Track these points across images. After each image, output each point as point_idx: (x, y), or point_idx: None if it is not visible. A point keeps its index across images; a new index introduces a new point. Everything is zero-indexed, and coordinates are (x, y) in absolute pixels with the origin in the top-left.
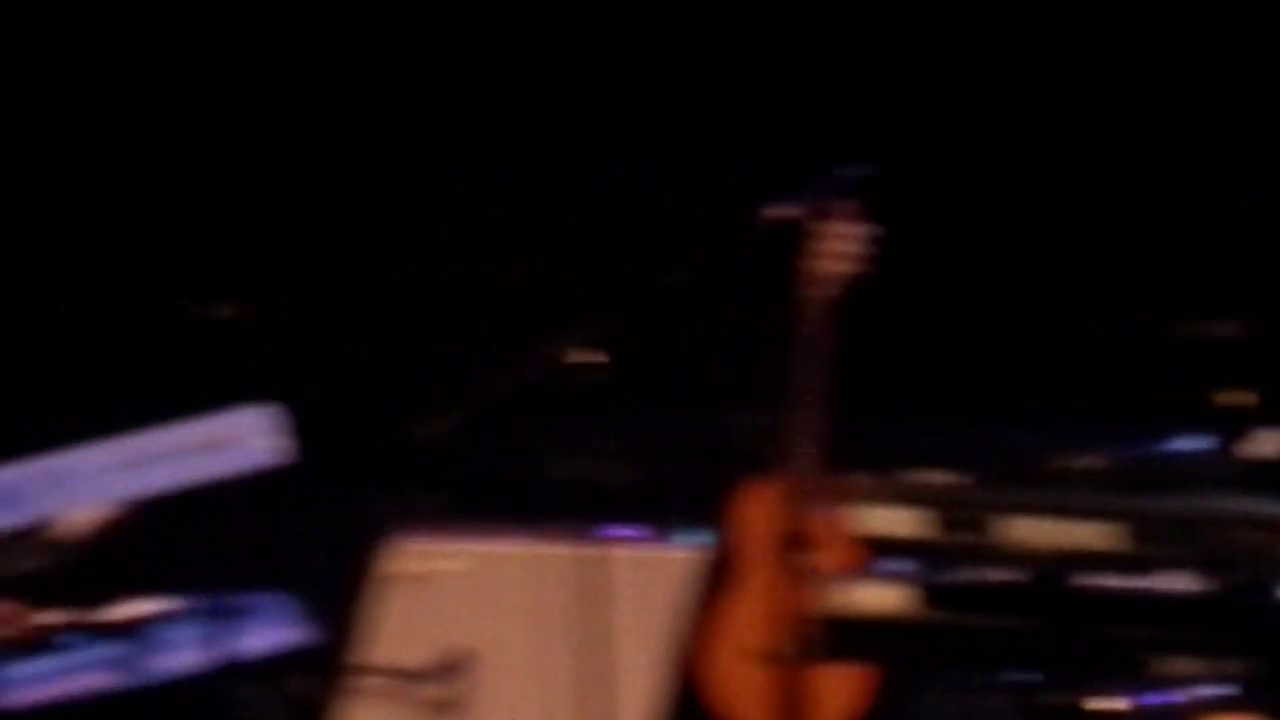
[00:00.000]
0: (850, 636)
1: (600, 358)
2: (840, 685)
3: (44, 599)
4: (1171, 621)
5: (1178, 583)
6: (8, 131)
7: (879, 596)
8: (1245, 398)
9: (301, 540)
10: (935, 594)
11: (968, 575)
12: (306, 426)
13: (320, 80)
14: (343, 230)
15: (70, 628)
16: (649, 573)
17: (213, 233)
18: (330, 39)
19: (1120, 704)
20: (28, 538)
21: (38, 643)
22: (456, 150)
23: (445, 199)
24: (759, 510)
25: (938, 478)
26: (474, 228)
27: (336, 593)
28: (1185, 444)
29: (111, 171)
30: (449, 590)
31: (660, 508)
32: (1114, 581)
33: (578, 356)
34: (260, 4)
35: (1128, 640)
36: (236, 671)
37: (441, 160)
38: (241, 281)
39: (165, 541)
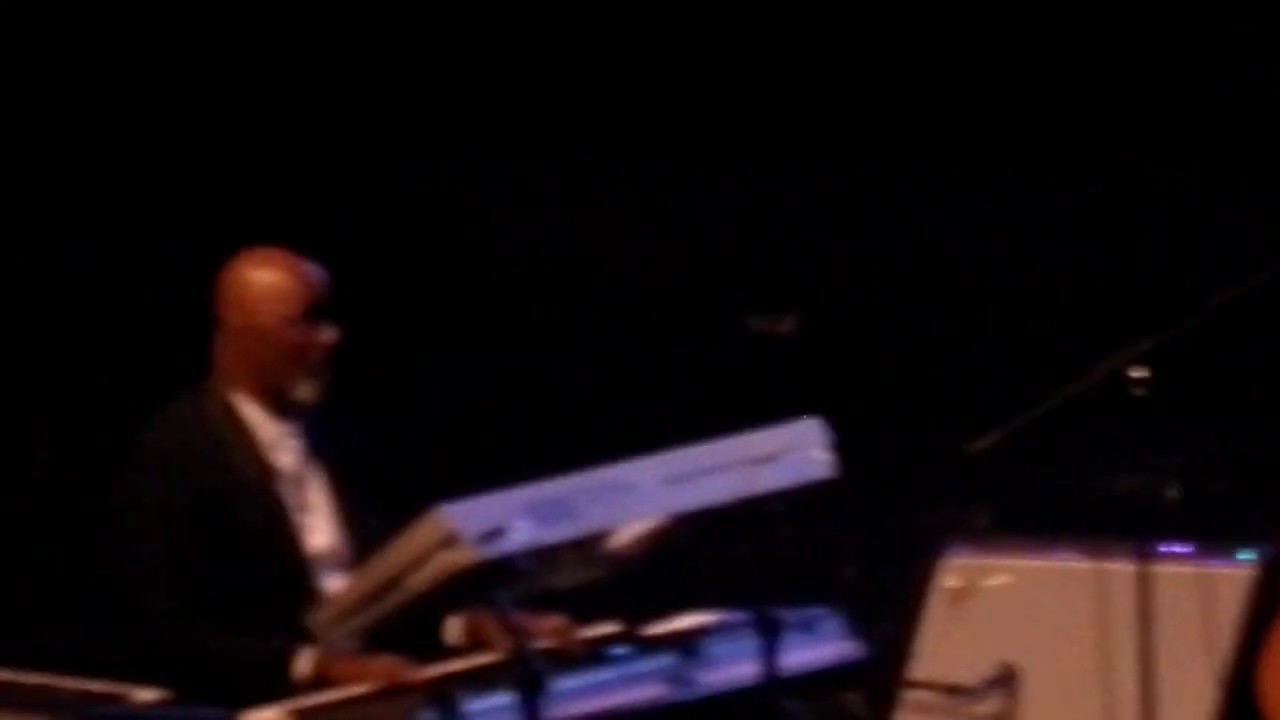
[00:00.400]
0: None
1: (1148, 372)
2: None
3: (594, 612)
4: None
5: None
6: None
7: None
8: None
9: (849, 554)
10: None
11: None
12: (855, 440)
13: None
14: (891, 244)
15: (620, 640)
16: (1197, 590)
17: (773, 248)
18: None
19: None
20: (580, 551)
21: (587, 655)
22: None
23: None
24: None
25: None
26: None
27: (884, 607)
28: None
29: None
30: (996, 605)
31: (1209, 525)
32: None
33: (1131, 371)
34: None
35: None
36: (786, 686)
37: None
38: (796, 295)
39: (715, 555)
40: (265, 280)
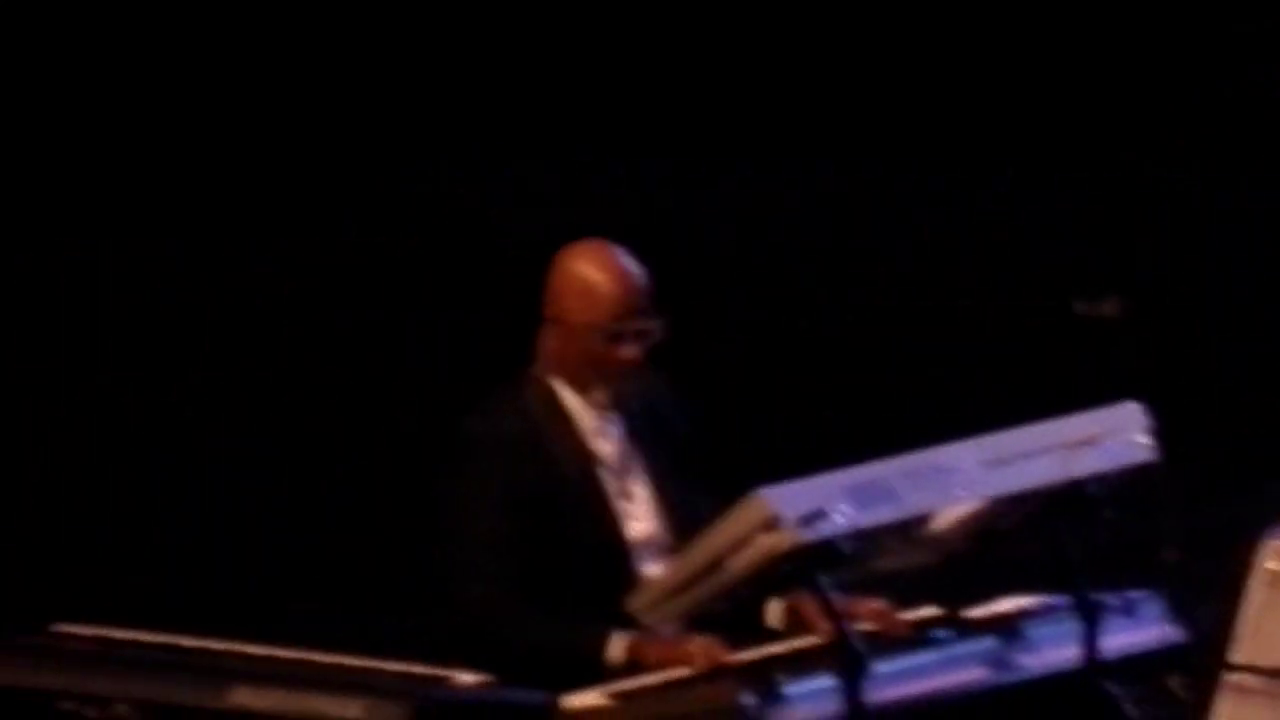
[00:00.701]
0: None
1: None
2: None
3: (917, 595)
4: None
5: None
6: None
7: None
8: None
9: (1173, 536)
10: None
11: None
12: (1178, 423)
13: None
14: (1215, 227)
15: (941, 624)
16: None
17: (1100, 230)
18: None
19: None
20: (901, 534)
21: (909, 639)
22: None
23: None
24: None
25: None
26: None
27: (1206, 590)
28: None
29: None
30: None
31: None
32: None
33: None
34: None
35: None
36: (1107, 669)
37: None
38: (1119, 278)
39: (1037, 538)
40: (583, 277)
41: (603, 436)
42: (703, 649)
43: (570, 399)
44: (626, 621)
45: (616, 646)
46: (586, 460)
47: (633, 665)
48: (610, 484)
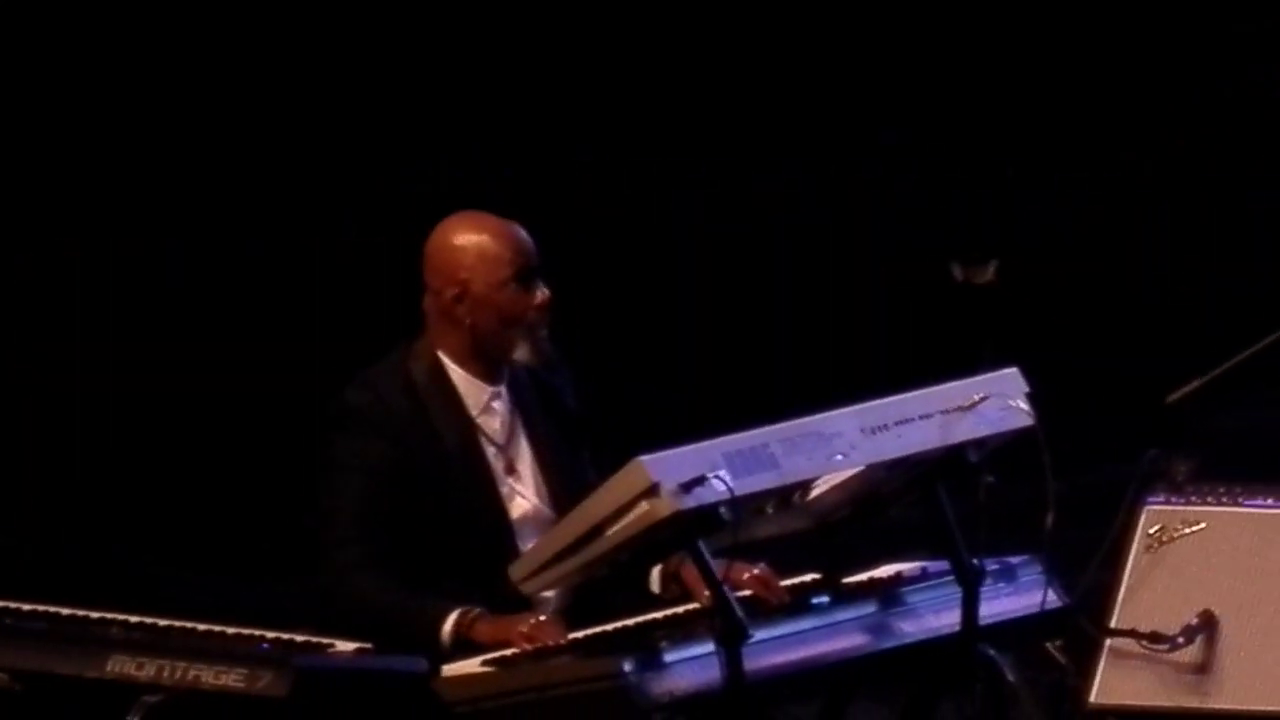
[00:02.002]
0: None
1: None
2: None
3: (797, 562)
4: None
5: None
6: None
7: None
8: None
9: (1049, 502)
10: None
11: None
12: (1055, 389)
13: None
14: (1093, 197)
15: (820, 590)
16: None
17: (977, 198)
18: None
19: None
20: (782, 500)
21: (788, 605)
22: None
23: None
24: None
25: None
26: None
27: (1084, 556)
28: None
29: None
30: (1196, 553)
31: None
32: None
33: None
34: None
35: None
36: (986, 635)
37: None
38: (997, 245)
39: (917, 504)
40: (474, 245)
41: (489, 412)
42: (531, 630)
43: (456, 373)
44: (509, 598)
45: (448, 622)
46: (471, 435)
47: (461, 642)
48: (495, 459)
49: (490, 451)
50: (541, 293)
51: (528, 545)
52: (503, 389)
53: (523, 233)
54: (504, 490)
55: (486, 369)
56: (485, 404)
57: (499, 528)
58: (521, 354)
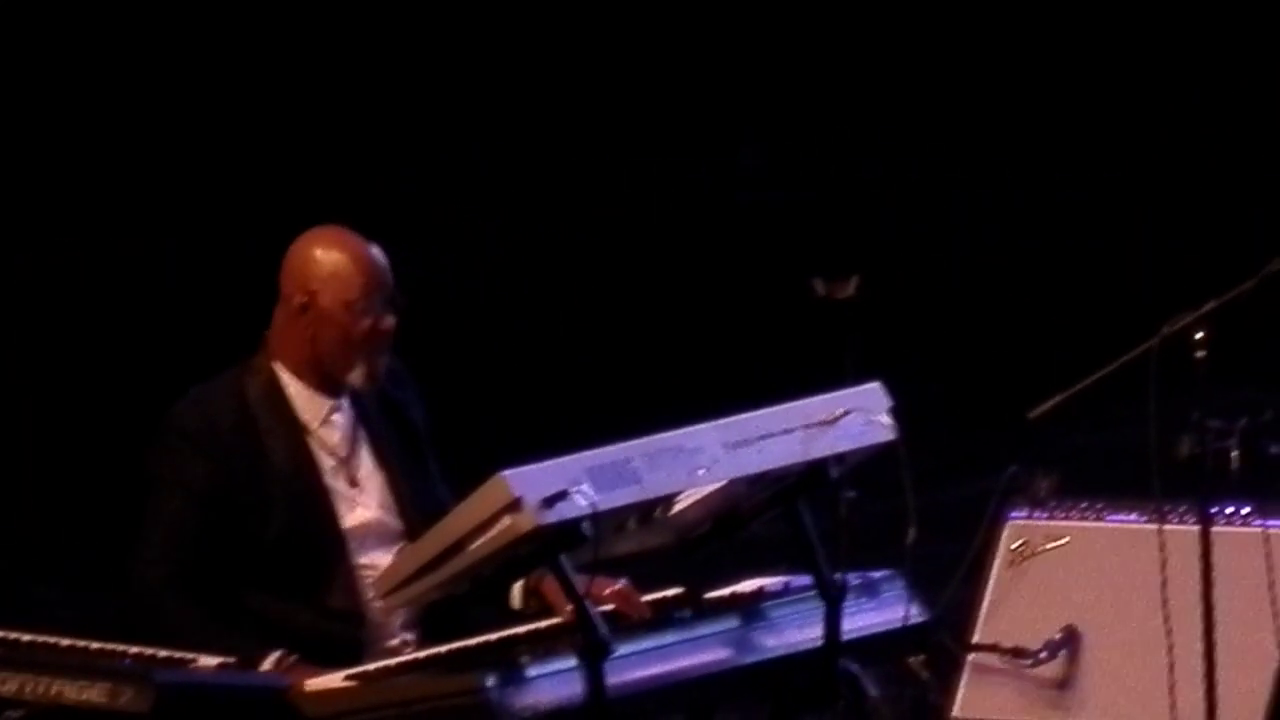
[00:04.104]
0: None
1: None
2: None
3: (658, 577)
4: None
5: None
6: None
7: None
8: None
9: (911, 517)
10: None
11: None
12: (916, 404)
13: None
14: (953, 212)
15: (682, 604)
16: (1258, 551)
17: (838, 213)
18: None
19: None
20: (644, 515)
21: (651, 620)
22: None
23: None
24: None
25: None
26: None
27: (946, 571)
28: None
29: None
30: (1058, 568)
31: (1270, 486)
32: None
33: (1190, 333)
34: None
35: None
36: (848, 649)
37: None
38: (859, 260)
39: (779, 519)
40: (330, 261)
41: (328, 425)
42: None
43: (294, 386)
44: (335, 613)
45: (268, 665)
46: (303, 449)
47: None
48: (335, 472)
49: (330, 464)
50: (387, 320)
51: (369, 556)
52: (344, 402)
53: (381, 257)
54: (342, 503)
55: (325, 383)
56: (324, 416)
57: (328, 541)
58: (355, 377)
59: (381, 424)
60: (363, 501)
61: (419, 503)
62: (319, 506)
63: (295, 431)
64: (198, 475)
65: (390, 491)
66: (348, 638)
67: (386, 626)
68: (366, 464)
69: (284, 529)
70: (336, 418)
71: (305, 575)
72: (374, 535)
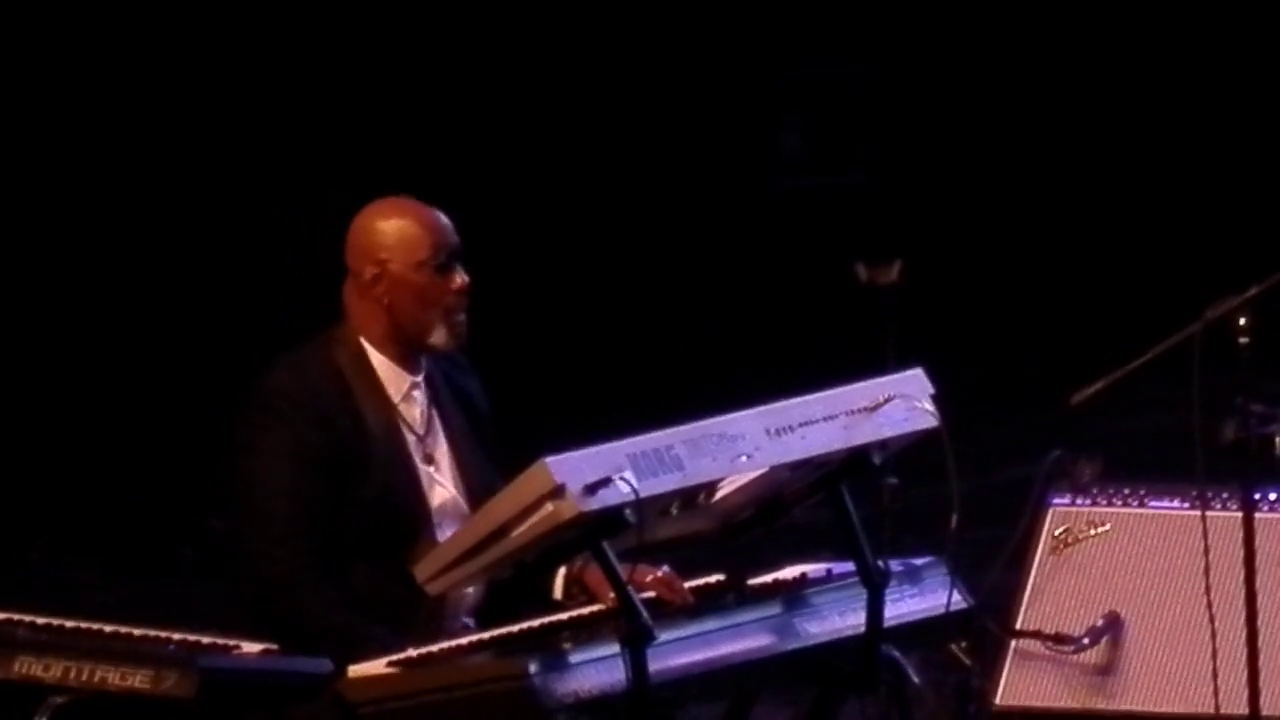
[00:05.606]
0: None
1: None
2: None
3: (700, 563)
4: None
5: None
6: None
7: None
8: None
9: (954, 503)
10: None
11: None
12: (958, 390)
13: None
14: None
15: (725, 591)
16: None
17: (881, 195)
18: None
19: None
20: (687, 502)
21: (693, 606)
22: None
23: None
24: None
25: None
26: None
27: (990, 557)
28: None
29: None
30: (1101, 554)
31: None
32: None
33: (1233, 317)
34: None
35: None
36: (891, 636)
37: None
38: (902, 245)
39: (821, 505)
40: (394, 228)
41: (409, 400)
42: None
43: (378, 359)
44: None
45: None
46: (393, 420)
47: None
48: (415, 448)
49: (410, 439)
50: (460, 277)
51: (446, 535)
52: (421, 380)
53: (443, 218)
54: (424, 479)
55: (406, 355)
56: (406, 392)
57: (419, 513)
58: (438, 338)
59: (452, 408)
60: (440, 480)
61: (483, 489)
62: (410, 476)
63: (385, 401)
64: (307, 439)
65: (460, 474)
66: (433, 612)
67: (459, 606)
68: (441, 444)
69: (380, 493)
70: (416, 394)
71: (395, 546)
72: (450, 515)
